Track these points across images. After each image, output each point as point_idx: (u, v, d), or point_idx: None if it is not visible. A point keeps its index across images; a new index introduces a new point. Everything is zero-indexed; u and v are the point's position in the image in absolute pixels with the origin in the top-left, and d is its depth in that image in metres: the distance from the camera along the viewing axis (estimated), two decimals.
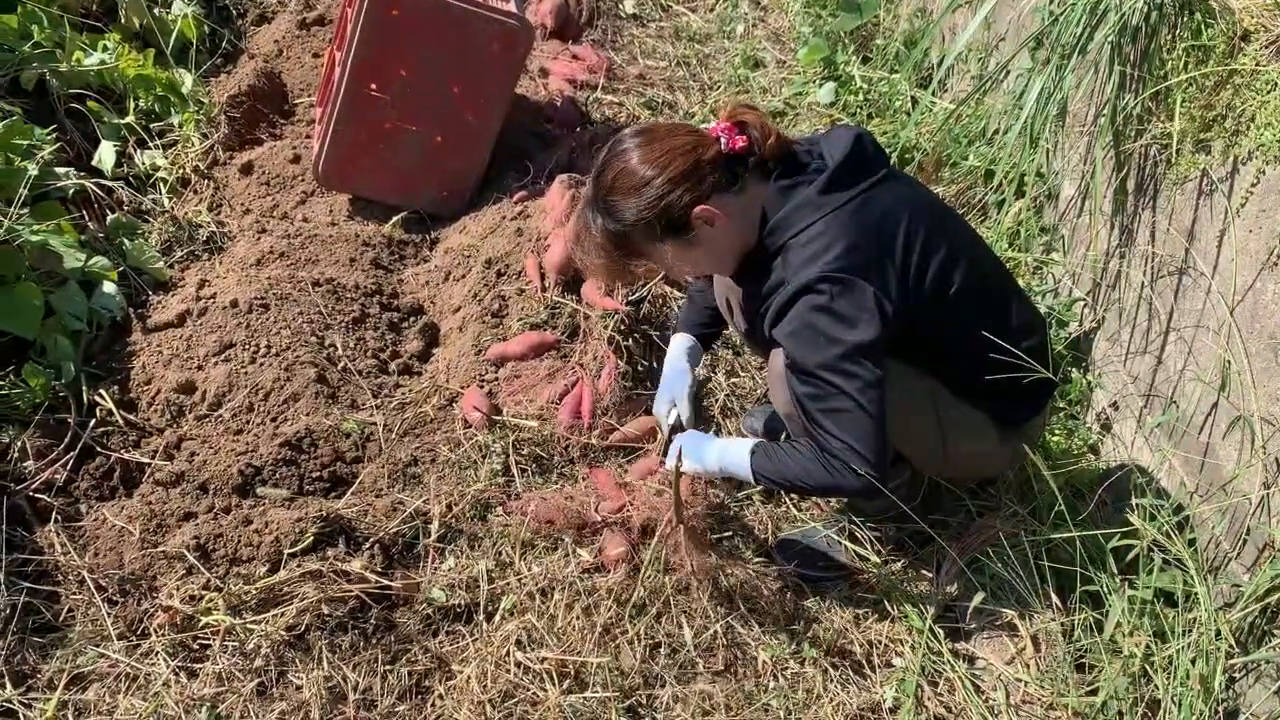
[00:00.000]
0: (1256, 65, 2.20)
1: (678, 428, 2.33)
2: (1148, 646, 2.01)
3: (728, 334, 2.91)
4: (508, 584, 2.22)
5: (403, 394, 2.71)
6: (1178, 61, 2.42)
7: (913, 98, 3.83)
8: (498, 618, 2.17)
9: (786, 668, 2.15)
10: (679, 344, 2.44)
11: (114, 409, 2.51)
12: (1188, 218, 2.40)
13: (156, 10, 3.91)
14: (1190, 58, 2.39)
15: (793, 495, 2.54)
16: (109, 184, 3.18)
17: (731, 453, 2.12)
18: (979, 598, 2.16)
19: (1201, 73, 2.33)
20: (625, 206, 1.97)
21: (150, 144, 3.46)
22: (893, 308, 1.91)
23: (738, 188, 2.00)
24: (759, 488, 2.46)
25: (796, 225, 1.96)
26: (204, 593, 2.08)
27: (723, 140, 1.98)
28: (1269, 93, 2.14)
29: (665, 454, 2.33)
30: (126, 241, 2.98)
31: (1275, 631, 1.99)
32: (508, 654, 2.08)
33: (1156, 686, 1.95)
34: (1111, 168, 2.72)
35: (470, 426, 2.56)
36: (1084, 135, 2.89)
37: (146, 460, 2.41)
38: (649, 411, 2.61)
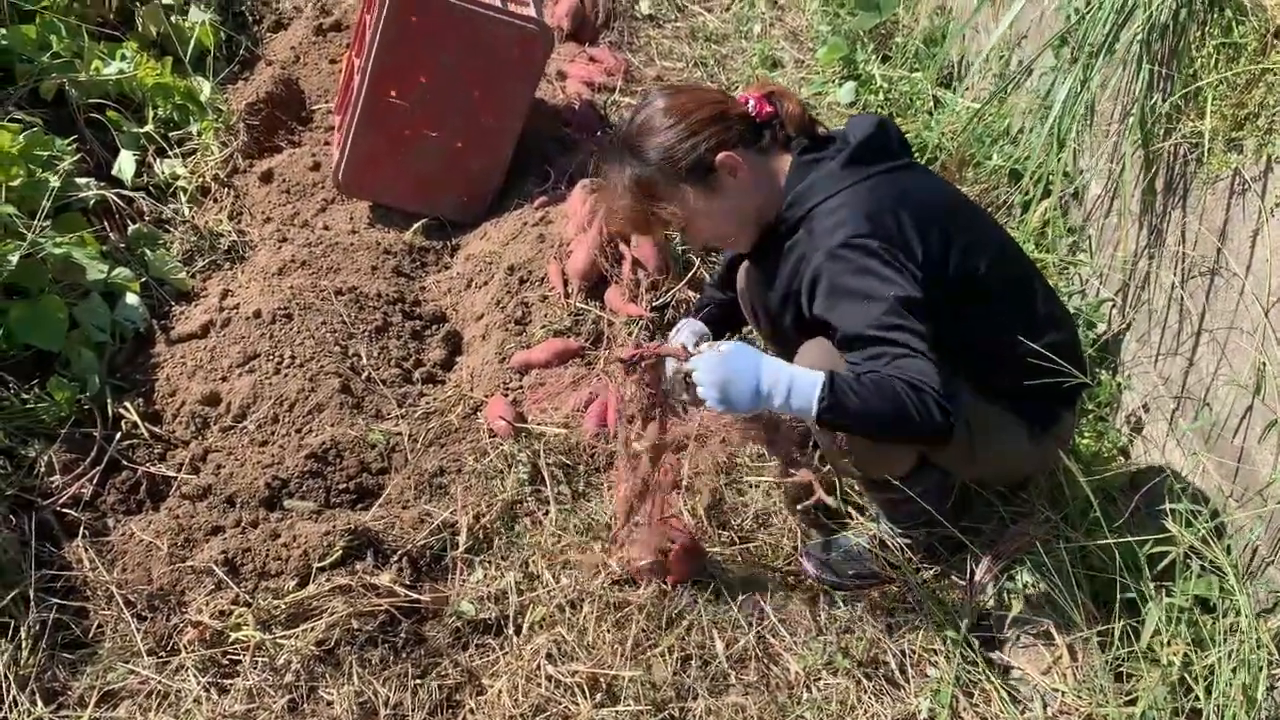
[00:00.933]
0: None
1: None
2: (1186, 655, 1.99)
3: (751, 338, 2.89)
4: (536, 596, 2.21)
5: (427, 403, 2.70)
6: (1208, 60, 2.38)
7: (935, 97, 3.79)
8: (527, 630, 2.15)
9: (819, 679, 2.13)
10: (680, 324, 2.44)
11: (139, 422, 2.51)
12: (1219, 217, 2.37)
13: (173, 18, 3.91)
14: (1221, 55, 2.35)
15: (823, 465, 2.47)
16: (129, 194, 3.17)
17: (799, 389, 1.82)
18: (1015, 606, 2.14)
19: (1233, 71, 2.29)
20: (650, 146, 2.02)
21: (170, 153, 3.46)
22: (922, 277, 1.89)
23: (761, 146, 2.05)
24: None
25: (818, 196, 1.98)
26: (233, 608, 2.07)
27: (751, 104, 2.05)
28: None
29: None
30: (148, 252, 2.97)
31: None
32: (538, 667, 2.06)
33: (1197, 696, 1.93)
34: (1140, 167, 2.68)
35: (496, 436, 2.54)
36: (1111, 135, 2.86)
37: (173, 474, 2.41)
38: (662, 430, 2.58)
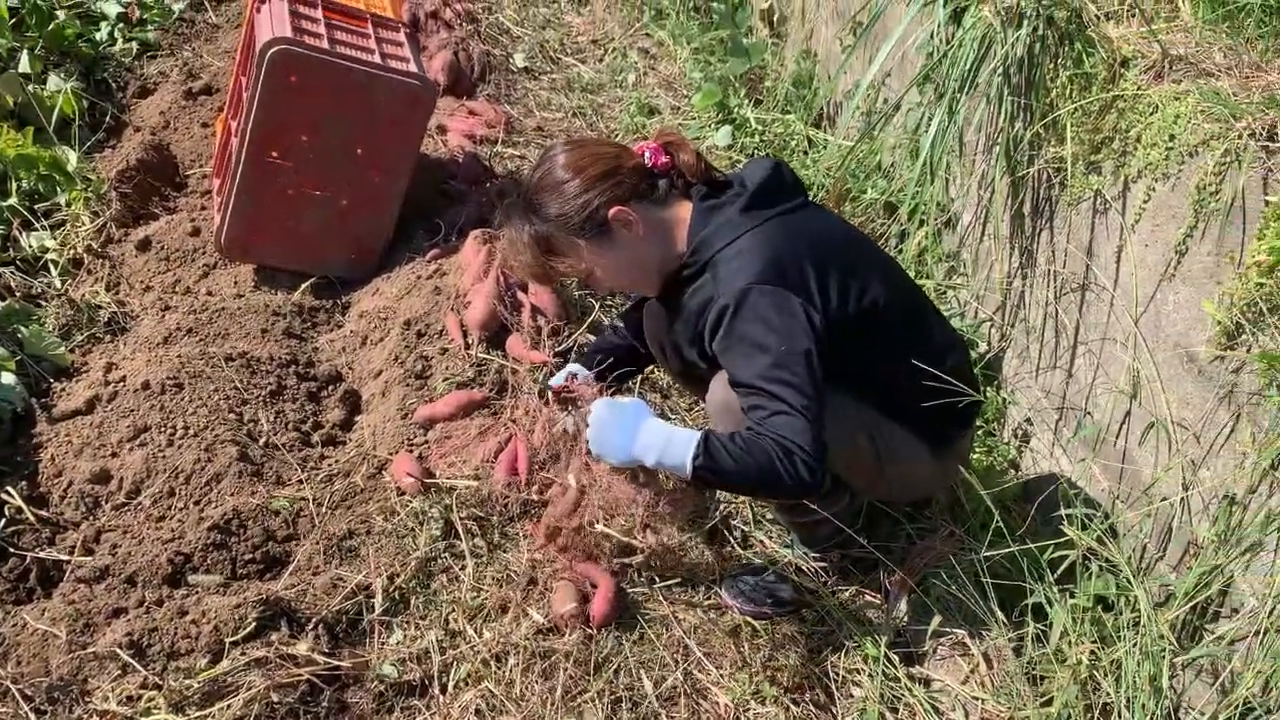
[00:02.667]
0: (1138, 89, 2.32)
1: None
2: (1093, 653, 2.07)
3: (656, 378, 2.92)
4: (460, 652, 2.17)
5: (329, 465, 2.64)
6: (1063, 90, 2.54)
7: (808, 137, 3.93)
8: (453, 688, 2.11)
9: (749, 709, 2.14)
10: (565, 370, 2.45)
11: (23, 506, 2.38)
12: (1085, 236, 2.52)
13: (31, 87, 3.77)
14: (1074, 85, 2.51)
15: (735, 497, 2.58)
16: None
17: (673, 449, 1.95)
18: (931, 621, 2.20)
19: (1087, 99, 2.45)
20: (547, 203, 2.06)
21: (37, 225, 3.32)
22: (820, 319, 1.96)
23: (658, 197, 2.10)
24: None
25: (721, 241, 2.03)
26: (142, 692, 1.97)
27: (647, 155, 2.11)
28: (1152, 114, 2.26)
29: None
30: (22, 329, 2.84)
31: (1208, 628, 2.07)
32: None
33: (1107, 691, 2.01)
34: (1008, 193, 2.83)
35: (404, 493, 2.50)
36: (979, 164, 3.01)
37: (65, 557, 2.29)
38: (588, 466, 2.60)
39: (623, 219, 2.05)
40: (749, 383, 1.94)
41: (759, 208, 2.06)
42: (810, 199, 2.17)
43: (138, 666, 2.02)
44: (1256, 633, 1.87)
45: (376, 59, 3.08)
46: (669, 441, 1.95)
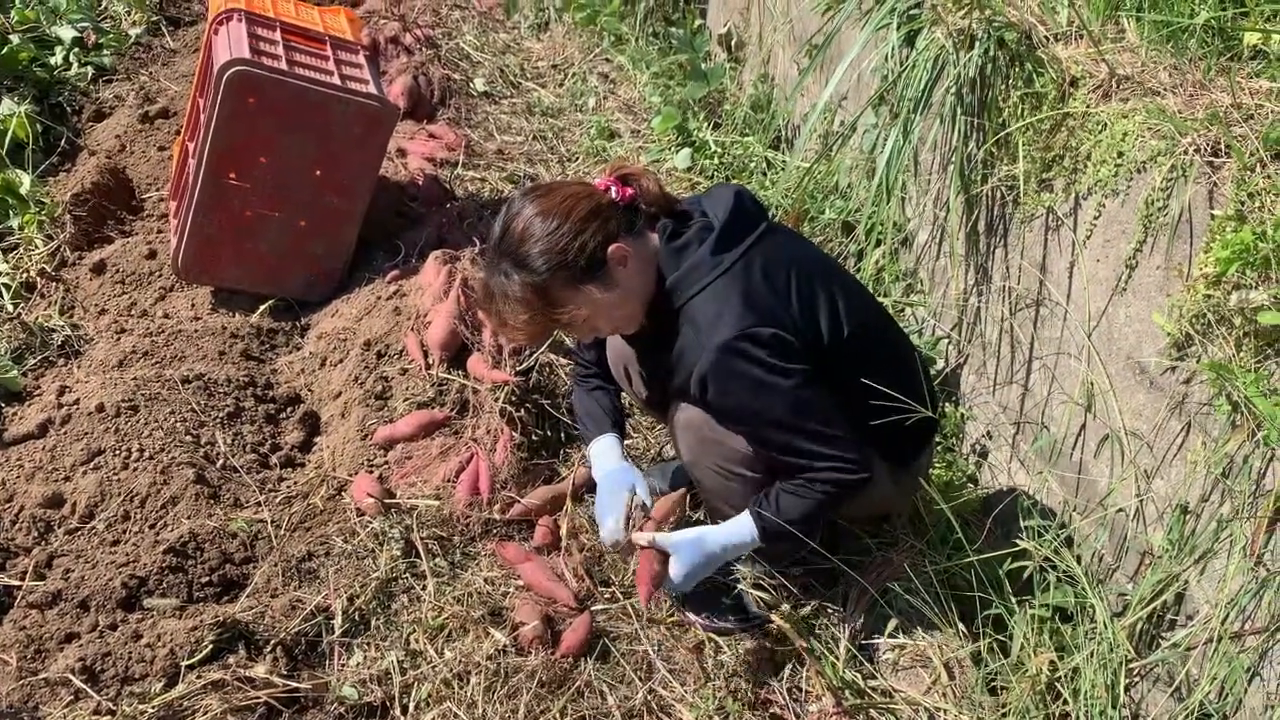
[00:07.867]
0: (1087, 108, 2.37)
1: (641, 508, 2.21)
2: (1052, 663, 2.09)
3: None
4: (421, 673, 2.15)
5: (288, 487, 2.62)
6: (1014, 109, 2.59)
7: (766, 159, 3.97)
8: (414, 709, 2.09)
9: None
10: (607, 444, 2.33)
11: None
12: (1039, 252, 2.56)
13: None
14: (1025, 105, 2.56)
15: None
16: None
17: (734, 539, 2.13)
18: (890, 629, 2.21)
19: (1037, 118, 2.50)
20: (540, 254, 1.96)
21: None
22: (800, 343, 1.99)
23: (636, 230, 2.06)
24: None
25: (695, 285, 2.01)
26: (95, 718, 1.94)
27: (613, 191, 2.04)
28: (1101, 132, 2.31)
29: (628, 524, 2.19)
30: None
31: (1163, 636, 2.10)
32: None
33: (1065, 700, 2.03)
34: (962, 211, 2.87)
35: (364, 514, 2.48)
36: (934, 183, 3.06)
37: (15, 583, 2.24)
38: (548, 481, 2.60)
39: (620, 256, 1.99)
40: (776, 420, 2.02)
41: (727, 247, 2.03)
42: (771, 221, 2.16)
43: (90, 692, 1.98)
44: (1210, 639, 1.89)
45: (335, 80, 3.08)
46: (728, 540, 2.14)
